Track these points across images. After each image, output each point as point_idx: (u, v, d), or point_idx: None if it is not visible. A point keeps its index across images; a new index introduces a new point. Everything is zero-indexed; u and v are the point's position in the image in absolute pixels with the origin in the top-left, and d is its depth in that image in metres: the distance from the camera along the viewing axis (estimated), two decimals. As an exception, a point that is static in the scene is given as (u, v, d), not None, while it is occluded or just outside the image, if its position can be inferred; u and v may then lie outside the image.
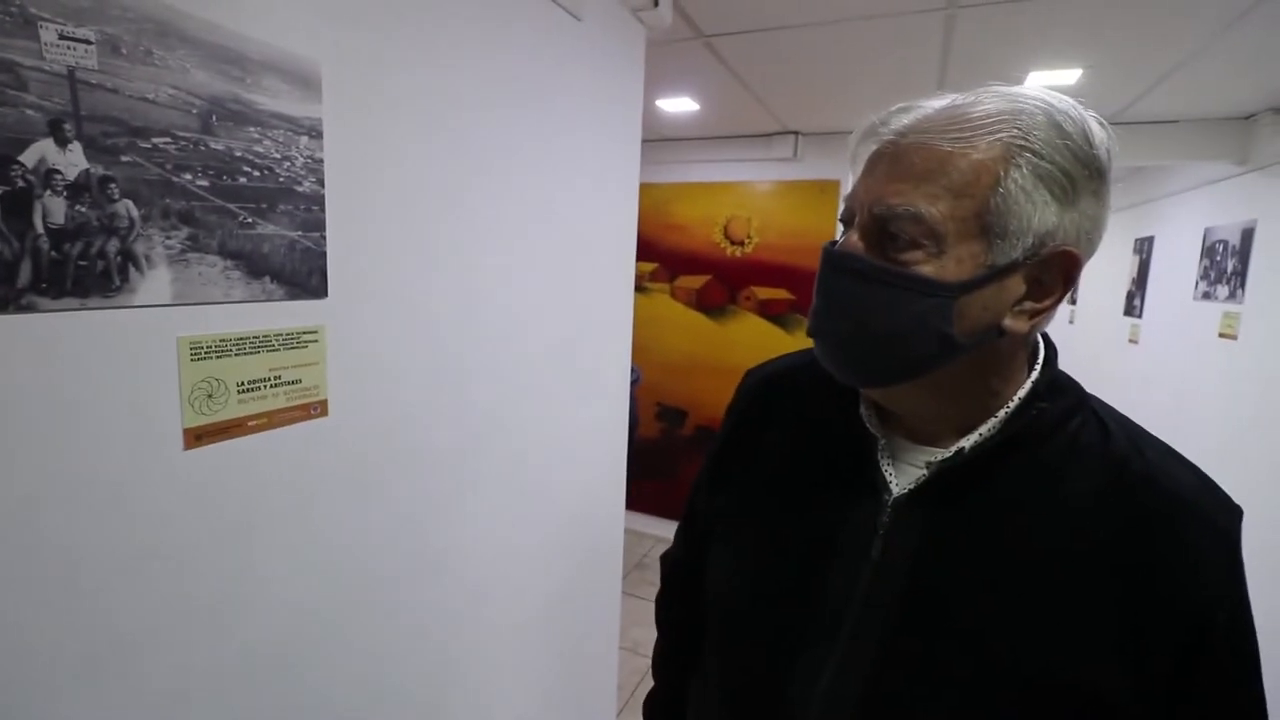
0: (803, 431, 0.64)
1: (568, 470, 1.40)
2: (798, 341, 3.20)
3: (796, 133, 3.01)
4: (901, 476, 0.57)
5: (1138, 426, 0.55)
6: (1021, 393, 0.54)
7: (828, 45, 1.89)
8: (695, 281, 3.44)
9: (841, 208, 0.57)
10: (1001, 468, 0.52)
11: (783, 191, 3.17)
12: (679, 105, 2.63)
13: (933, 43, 1.83)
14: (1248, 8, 1.51)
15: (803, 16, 1.69)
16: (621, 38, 1.42)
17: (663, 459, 3.61)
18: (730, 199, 3.29)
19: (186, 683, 0.70)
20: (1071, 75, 2.05)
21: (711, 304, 3.42)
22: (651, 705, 0.87)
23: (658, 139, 3.29)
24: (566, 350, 1.35)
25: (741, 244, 3.29)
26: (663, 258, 3.49)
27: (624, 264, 1.57)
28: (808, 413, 0.65)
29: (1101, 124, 0.48)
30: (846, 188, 3.02)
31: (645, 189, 3.26)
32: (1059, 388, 0.55)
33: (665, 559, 0.84)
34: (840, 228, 0.57)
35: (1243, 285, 2.53)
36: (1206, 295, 2.85)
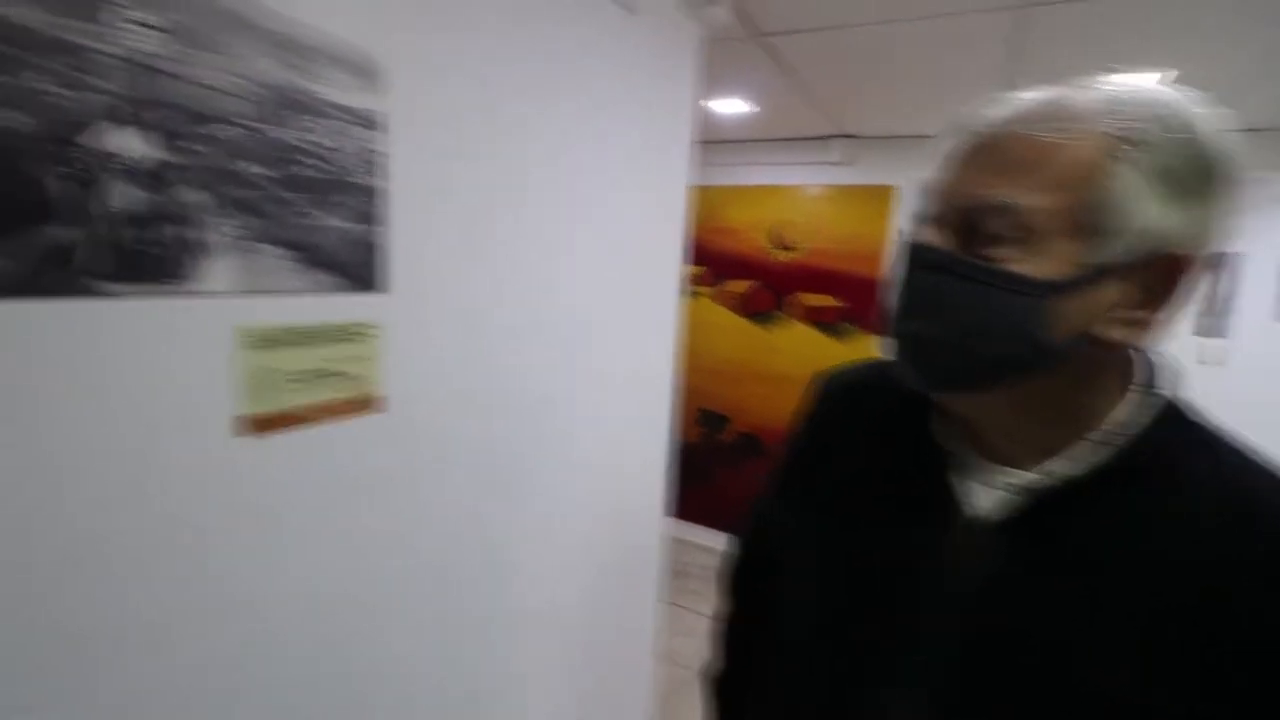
0: (872, 446, 0.61)
1: (609, 470, 1.38)
2: (848, 350, 3.11)
3: (852, 136, 2.94)
4: (976, 497, 0.52)
5: (1266, 460, 0.49)
6: (1122, 415, 0.48)
7: (891, 45, 1.83)
8: (742, 286, 3.38)
9: (919, 204, 0.53)
10: (1101, 496, 0.48)
11: (834, 196, 3.09)
12: (730, 106, 2.59)
13: (1002, 42, 1.76)
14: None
15: (867, 15, 1.63)
16: (677, 36, 1.39)
17: (703, 465, 3.56)
18: (780, 203, 3.23)
19: (221, 670, 0.69)
20: (1150, 80, 1.94)
21: (758, 310, 3.36)
22: (714, 679, 0.81)
23: (707, 140, 3.25)
24: (612, 350, 1.33)
25: (790, 249, 3.23)
26: (709, 261, 3.44)
27: (672, 266, 1.54)
28: (878, 426, 0.61)
29: (1217, 120, 0.44)
30: (904, 193, 2.95)
31: (692, 191, 3.23)
32: (1172, 413, 0.50)
33: (741, 533, 0.80)
34: (913, 227, 0.53)
35: (1335, 304, 2.35)
36: (1291, 314, 2.66)
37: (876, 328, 3.03)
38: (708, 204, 3.39)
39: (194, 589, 0.65)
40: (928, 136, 2.76)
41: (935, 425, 0.56)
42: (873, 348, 3.05)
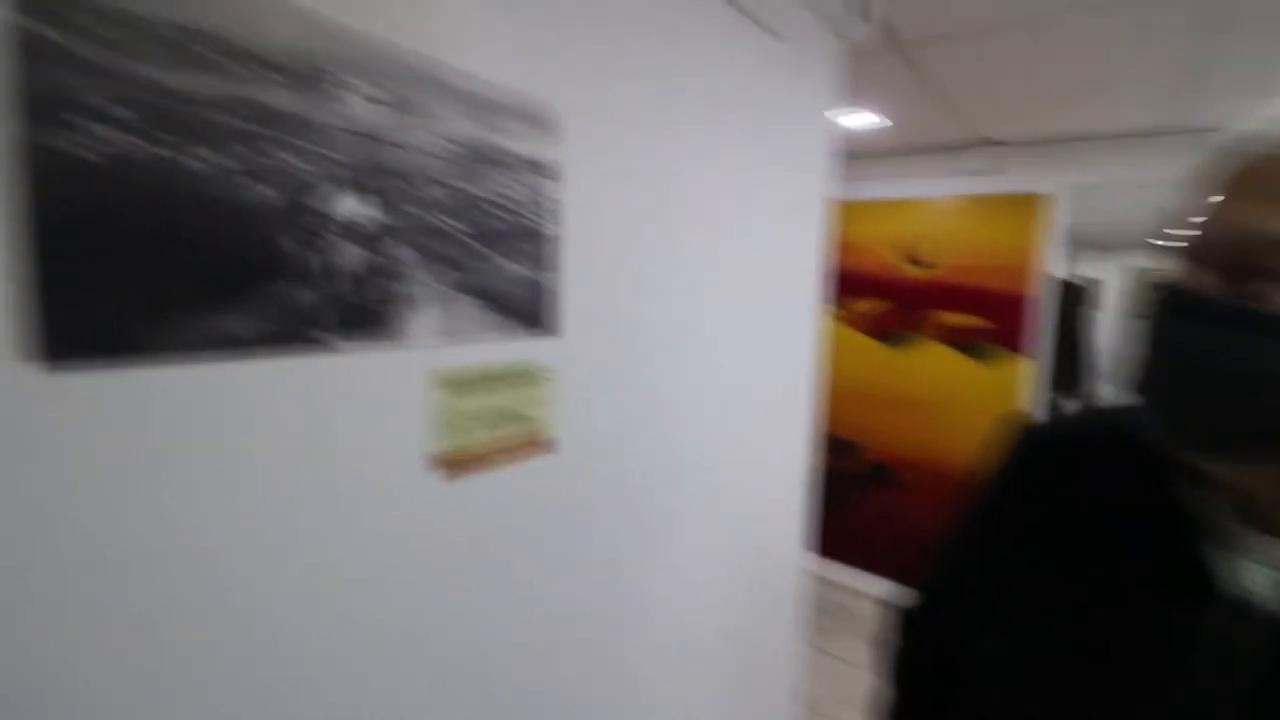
0: (1096, 511, 0.54)
1: (748, 504, 1.35)
2: (991, 373, 2.88)
3: (998, 142, 2.74)
4: (1247, 576, 0.45)
5: None
6: None
7: (1054, 43, 1.69)
8: (873, 305, 3.23)
9: (1167, 237, 0.47)
10: None
11: (975, 207, 2.89)
12: (861, 120, 2.50)
13: (1184, 33, 1.57)
14: None
15: (1031, 11, 1.52)
16: (820, 55, 1.36)
17: (831, 496, 3.40)
18: (912, 217, 3.06)
19: (367, 698, 0.70)
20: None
21: (889, 330, 3.19)
22: None
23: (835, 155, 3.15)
24: (754, 384, 1.30)
25: (927, 265, 3.05)
26: (838, 279, 3.32)
27: (812, 295, 1.50)
28: (1102, 489, 0.54)
29: None
30: (1059, 201, 2.70)
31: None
32: None
33: (910, 613, 0.74)
34: (1163, 264, 0.47)
35: None
36: None
37: (1025, 348, 2.79)
38: (836, 220, 3.28)
39: (396, 613, 0.69)
40: (1085, 139, 2.52)
41: (1184, 489, 0.49)
42: (1020, 371, 2.80)
